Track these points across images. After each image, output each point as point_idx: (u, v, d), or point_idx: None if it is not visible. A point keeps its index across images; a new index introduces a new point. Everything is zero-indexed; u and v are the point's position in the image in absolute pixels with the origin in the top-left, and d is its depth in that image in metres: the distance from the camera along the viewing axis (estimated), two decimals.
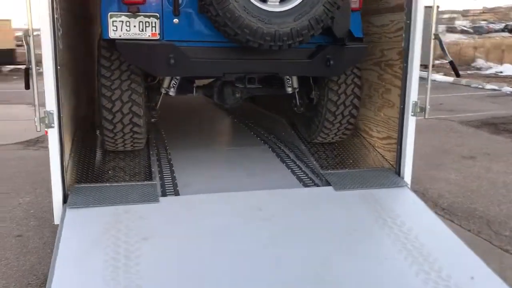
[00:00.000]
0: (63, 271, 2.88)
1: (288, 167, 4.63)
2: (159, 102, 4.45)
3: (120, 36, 3.49)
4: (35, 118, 3.36)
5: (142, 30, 3.52)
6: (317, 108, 4.56)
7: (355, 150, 4.82)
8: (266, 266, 3.06)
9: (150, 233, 3.28)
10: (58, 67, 3.43)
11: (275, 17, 3.35)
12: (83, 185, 3.81)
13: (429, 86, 4.04)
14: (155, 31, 3.54)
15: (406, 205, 3.96)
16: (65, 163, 3.61)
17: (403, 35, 4.09)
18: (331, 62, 3.74)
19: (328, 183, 4.09)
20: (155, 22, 3.53)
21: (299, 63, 3.82)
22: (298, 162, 4.68)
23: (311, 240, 3.31)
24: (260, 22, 3.24)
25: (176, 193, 3.96)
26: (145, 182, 3.89)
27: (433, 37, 3.95)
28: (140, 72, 3.89)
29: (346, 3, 3.74)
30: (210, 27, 3.58)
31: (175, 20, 3.56)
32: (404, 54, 4.09)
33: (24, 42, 3.19)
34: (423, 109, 4.10)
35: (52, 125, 3.46)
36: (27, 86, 3.31)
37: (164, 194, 3.90)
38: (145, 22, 3.51)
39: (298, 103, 4.82)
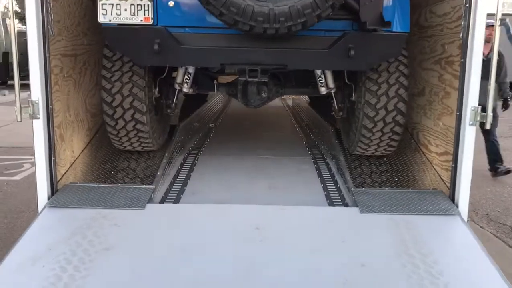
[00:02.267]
0: (2, 273, 2.57)
1: (322, 181, 3.93)
2: (175, 100, 4.02)
3: (110, 20, 3.14)
4: (15, 107, 3.13)
5: (134, 14, 3.13)
6: (354, 113, 3.80)
7: (409, 166, 3.96)
8: None
9: (115, 244, 2.85)
10: (48, 55, 3.18)
11: None
12: (77, 184, 3.52)
13: (492, 87, 3.12)
14: (148, 15, 3.13)
15: (449, 240, 3.06)
16: (55, 158, 3.34)
17: (462, 23, 3.22)
18: (352, 52, 3.00)
19: (355, 204, 3.34)
20: (148, 5, 3.12)
21: (312, 54, 3.13)
22: (337, 177, 3.97)
23: (297, 275, 2.62)
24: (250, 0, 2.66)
25: (176, 201, 3.51)
26: (141, 186, 3.49)
27: (498, 22, 3.03)
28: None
29: None
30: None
31: (171, 3, 3.13)
32: (462, 47, 3.22)
33: (2, 25, 2.96)
34: (484, 118, 3.19)
35: (38, 116, 3.21)
36: (6, 74, 3.09)
37: (161, 201, 3.47)
38: (137, 5, 3.12)
39: (336, 107, 4.09)
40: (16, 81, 3.12)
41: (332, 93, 3.96)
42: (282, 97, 9.35)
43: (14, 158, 7.62)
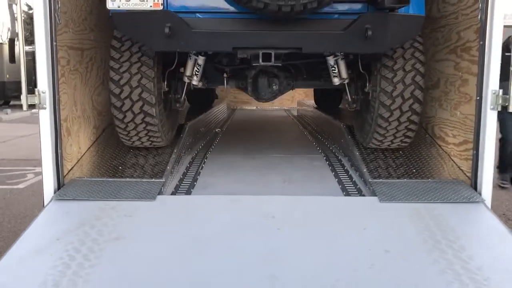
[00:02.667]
0: (6, 263, 2.44)
1: (336, 176, 3.81)
2: (184, 93, 3.92)
3: (118, 7, 3.06)
4: (22, 96, 3.04)
5: (143, 0, 3.06)
6: (370, 103, 3.68)
7: (426, 159, 3.83)
8: (254, 285, 2.31)
9: (126, 233, 2.71)
10: (56, 43, 3.10)
11: None
12: (84, 178, 3.40)
13: None
14: (158, 0, 3.05)
15: (475, 225, 2.92)
16: (62, 151, 3.23)
17: (479, 4, 3.14)
18: (370, 33, 2.90)
19: (374, 193, 3.21)
20: None
21: (327, 36, 3.03)
22: (351, 172, 3.84)
23: (321, 258, 2.48)
24: None
25: (187, 193, 3.39)
26: (151, 180, 3.36)
27: None
28: (152, 54, 3.42)
29: None
30: None
31: None
32: (481, 29, 3.13)
33: (8, 11, 2.89)
34: (507, 101, 3.08)
35: (44, 106, 3.11)
36: (12, 59, 3.00)
37: (172, 194, 3.35)
38: None
39: (350, 99, 3.98)
40: (22, 69, 3.03)
41: (346, 85, 3.85)
42: (286, 108, 9.42)
43: (18, 169, 7.53)
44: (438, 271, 2.41)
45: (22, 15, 2.98)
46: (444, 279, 2.35)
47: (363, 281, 2.35)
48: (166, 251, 2.54)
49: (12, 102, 19.78)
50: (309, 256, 2.51)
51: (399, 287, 2.33)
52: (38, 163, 7.81)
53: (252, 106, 9.70)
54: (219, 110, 7.40)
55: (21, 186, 6.46)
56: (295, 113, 8.52)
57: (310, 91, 8.60)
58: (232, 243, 2.61)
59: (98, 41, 4.12)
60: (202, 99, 6.39)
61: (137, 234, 2.73)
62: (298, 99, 9.36)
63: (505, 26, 3.12)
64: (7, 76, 19.51)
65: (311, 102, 7.65)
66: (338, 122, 4.71)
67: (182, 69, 3.87)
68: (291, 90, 4.23)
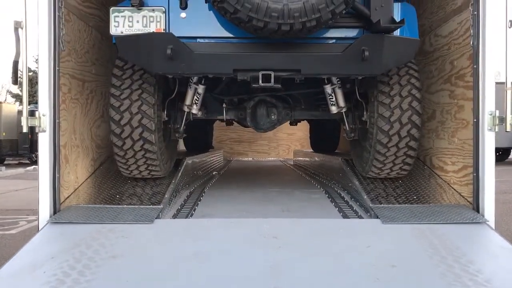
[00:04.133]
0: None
1: (337, 205, 3.76)
2: (183, 123, 3.94)
3: (122, 32, 3.14)
4: (22, 118, 3.04)
5: (146, 26, 3.14)
6: (368, 130, 3.71)
7: (426, 188, 3.81)
8: None
9: (124, 252, 2.64)
10: (58, 68, 3.15)
11: None
12: (81, 205, 3.35)
13: (507, 88, 3.07)
14: (160, 26, 3.14)
15: (481, 244, 2.87)
16: (60, 175, 3.19)
17: (471, 31, 3.25)
18: (367, 53, 2.97)
19: (376, 217, 3.16)
20: (160, 17, 3.14)
21: (326, 57, 3.10)
22: (351, 203, 3.80)
23: (324, 273, 2.41)
24: None
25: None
26: (149, 206, 3.31)
27: (509, 24, 3.06)
28: (153, 81, 3.47)
29: None
30: (221, 20, 3.11)
31: (182, 14, 3.15)
32: (474, 54, 3.23)
33: (14, 34, 2.96)
34: (503, 120, 3.12)
35: (44, 129, 3.11)
36: (15, 81, 3.04)
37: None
38: (149, 16, 3.14)
39: (348, 128, 4.01)
40: (25, 91, 3.06)
41: (344, 114, 3.89)
42: (282, 159, 9.46)
43: (10, 217, 7.40)
44: (446, 284, 2.34)
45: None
46: None
47: None
48: (166, 266, 2.47)
49: (6, 161, 19.89)
50: (312, 271, 2.44)
51: None
52: (31, 212, 7.73)
53: (248, 157, 9.75)
54: (216, 155, 7.41)
55: (13, 231, 6.30)
56: (292, 163, 8.55)
57: (307, 141, 8.69)
58: (232, 258, 2.54)
59: (99, 75, 4.19)
60: (199, 147, 6.42)
61: (135, 252, 2.65)
62: (294, 149, 9.43)
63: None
64: (3, 133, 19.68)
65: (308, 150, 7.70)
66: (336, 157, 4.72)
67: (182, 100, 3.91)
68: (291, 126, 4.26)
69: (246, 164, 8.63)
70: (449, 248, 2.69)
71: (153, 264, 2.49)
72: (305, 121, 7.20)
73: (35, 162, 16.53)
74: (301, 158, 7.74)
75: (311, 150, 7.42)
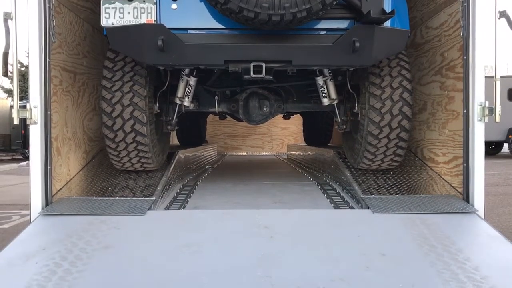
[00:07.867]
0: None
1: (328, 197, 3.79)
2: (175, 116, 3.94)
3: (112, 23, 3.13)
4: (13, 110, 3.03)
5: (137, 17, 3.14)
6: (359, 121, 3.73)
7: (417, 179, 3.83)
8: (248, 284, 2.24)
9: (116, 242, 2.65)
10: (49, 60, 3.14)
11: None
12: (73, 197, 3.35)
13: (496, 78, 3.09)
14: (151, 17, 3.14)
15: (470, 233, 2.89)
16: (51, 168, 3.19)
17: (461, 22, 3.27)
18: (357, 44, 2.98)
19: (367, 207, 3.19)
20: (151, 8, 3.14)
21: (317, 49, 3.11)
22: (343, 194, 3.82)
23: (315, 261, 2.43)
24: None
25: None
26: (141, 198, 3.32)
27: (498, 15, 3.08)
28: (144, 73, 3.47)
29: None
30: (212, 12, 3.11)
31: (173, 6, 3.15)
32: (464, 45, 3.24)
33: (4, 25, 2.94)
34: (492, 111, 3.14)
35: (36, 121, 3.11)
36: (5, 73, 3.03)
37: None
38: (140, 7, 3.13)
39: (340, 120, 4.02)
40: (15, 83, 3.05)
41: (335, 106, 3.91)
42: (276, 154, 9.50)
43: (3, 212, 7.37)
44: (436, 272, 2.37)
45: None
46: (441, 279, 2.30)
47: (358, 281, 2.30)
48: (157, 256, 2.47)
49: None
50: (303, 260, 2.46)
51: (395, 287, 2.27)
52: (24, 207, 7.70)
53: (242, 152, 9.78)
54: (209, 149, 7.42)
55: (6, 226, 6.29)
56: (285, 157, 8.57)
57: (300, 136, 8.73)
58: (224, 248, 2.56)
59: (90, 67, 4.17)
60: (192, 141, 6.43)
61: (127, 243, 2.67)
62: (288, 143, 9.46)
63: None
64: None
65: (302, 144, 7.73)
66: (328, 149, 4.74)
67: (174, 92, 3.91)
68: (285, 119, 4.27)
69: (240, 158, 8.65)
70: (439, 237, 2.72)
71: (145, 254, 2.50)
72: (298, 115, 7.24)
73: (28, 157, 16.47)
74: (295, 152, 7.76)
75: (305, 143, 7.45)
